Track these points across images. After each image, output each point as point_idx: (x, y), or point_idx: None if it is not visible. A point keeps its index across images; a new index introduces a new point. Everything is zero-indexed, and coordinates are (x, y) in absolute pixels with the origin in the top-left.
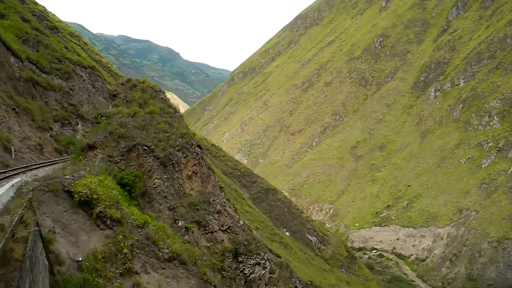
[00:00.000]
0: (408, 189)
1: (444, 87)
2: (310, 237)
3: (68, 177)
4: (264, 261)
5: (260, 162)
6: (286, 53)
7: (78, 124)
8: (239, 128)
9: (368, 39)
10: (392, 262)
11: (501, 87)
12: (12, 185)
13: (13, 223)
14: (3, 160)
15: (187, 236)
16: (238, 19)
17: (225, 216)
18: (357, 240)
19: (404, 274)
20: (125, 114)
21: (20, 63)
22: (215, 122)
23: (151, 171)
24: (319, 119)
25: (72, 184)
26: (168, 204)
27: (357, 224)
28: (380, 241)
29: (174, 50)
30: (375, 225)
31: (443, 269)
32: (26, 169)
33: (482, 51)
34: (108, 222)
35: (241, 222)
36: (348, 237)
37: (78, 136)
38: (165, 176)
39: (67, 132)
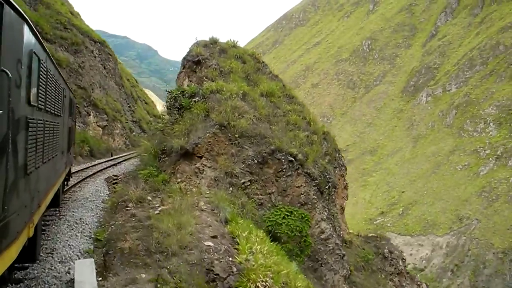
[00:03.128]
0: (402, 195)
1: (436, 92)
2: None
3: (211, 245)
4: None
5: None
6: (271, 53)
7: (90, 115)
8: None
9: (356, 42)
10: None
11: (495, 94)
12: None
13: None
14: None
15: None
16: (217, 19)
17: (405, 279)
18: None
19: None
20: (233, 94)
21: None
22: None
23: (307, 204)
24: None
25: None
26: (345, 271)
27: (351, 231)
28: None
29: (152, 48)
30: (370, 233)
31: (444, 280)
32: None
33: (474, 57)
34: None
35: (424, 286)
36: None
37: (91, 132)
38: (325, 214)
39: (77, 125)
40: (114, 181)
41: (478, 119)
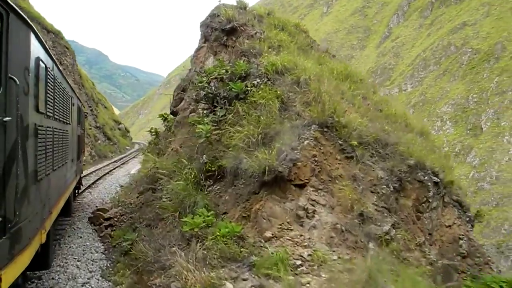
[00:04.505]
0: None
1: (392, 92)
2: None
3: None
4: None
5: None
6: None
7: None
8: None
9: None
10: None
11: (450, 93)
12: None
13: None
14: None
15: None
16: (169, 23)
17: None
18: None
19: None
20: (311, 75)
21: None
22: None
23: (471, 255)
24: None
25: None
26: None
27: None
28: None
29: (102, 52)
30: None
31: None
32: None
33: (427, 57)
34: None
35: None
36: None
37: None
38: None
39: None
40: (105, 223)
41: (435, 118)
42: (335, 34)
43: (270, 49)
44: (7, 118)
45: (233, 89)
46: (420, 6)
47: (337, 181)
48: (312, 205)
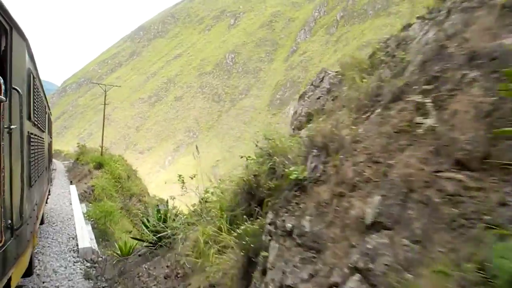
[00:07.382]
0: None
1: None
2: None
3: None
4: None
5: None
6: (128, 64)
7: None
8: (76, 146)
9: (219, 55)
10: None
11: None
12: None
13: None
14: None
15: None
16: (61, 30)
17: None
18: None
19: None
20: None
21: None
22: None
23: None
24: (170, 136)
25: None
26: None
27: None
28: None
29: None
30: None
31: None
32: None
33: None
34: None
35: None
36: None
37: None
38: None
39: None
40: None
41: None
42: (243, 46)
43: None
44: (13, 126)
45: None
46: (326, 23)
47: None
48: None
